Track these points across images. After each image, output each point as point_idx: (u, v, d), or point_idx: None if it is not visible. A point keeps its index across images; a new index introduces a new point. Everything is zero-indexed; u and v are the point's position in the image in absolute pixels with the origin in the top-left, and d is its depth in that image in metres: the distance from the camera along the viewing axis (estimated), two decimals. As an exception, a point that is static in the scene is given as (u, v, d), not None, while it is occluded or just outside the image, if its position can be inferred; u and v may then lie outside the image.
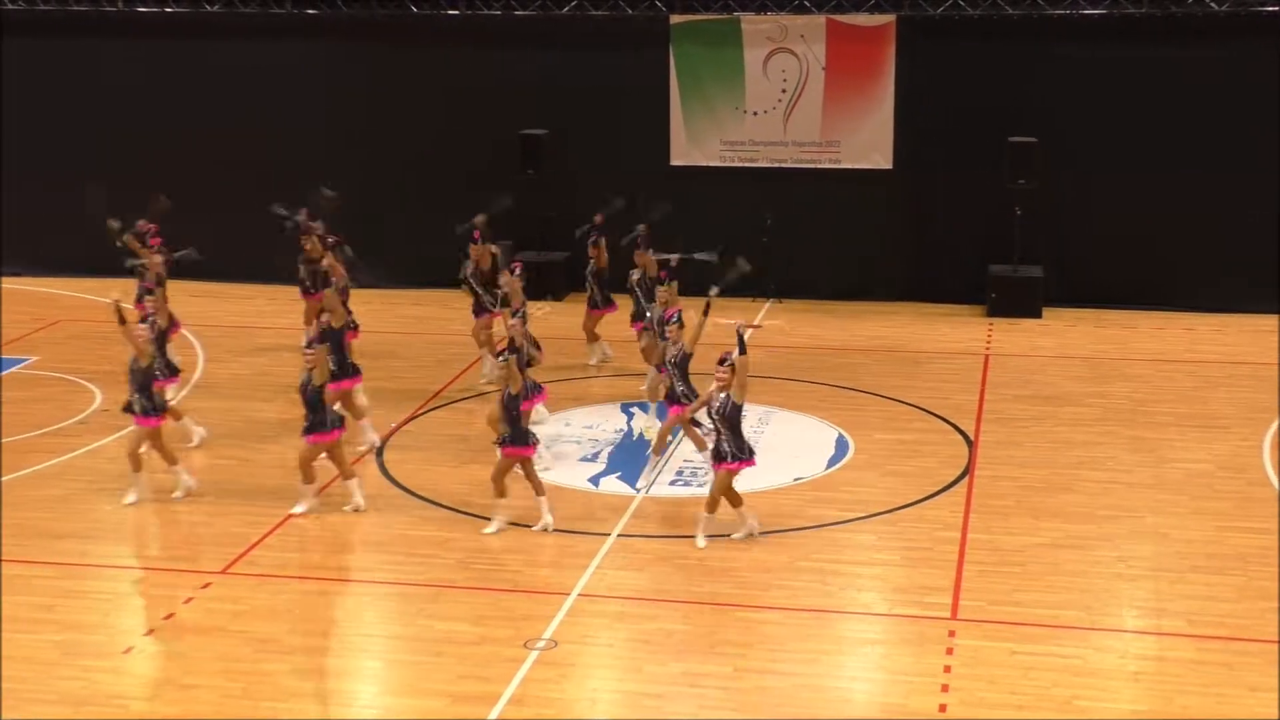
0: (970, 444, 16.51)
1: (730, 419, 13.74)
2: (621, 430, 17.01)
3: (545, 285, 22.31)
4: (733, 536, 13.90)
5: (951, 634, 12.24)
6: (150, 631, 12.42)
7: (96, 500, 15.10)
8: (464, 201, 22.28)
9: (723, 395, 13.76)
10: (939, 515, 14.60)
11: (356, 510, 14.56)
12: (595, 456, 16.21)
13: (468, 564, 13.58)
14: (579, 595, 12.94)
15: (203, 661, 11.91)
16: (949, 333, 21.00)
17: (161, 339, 16.11)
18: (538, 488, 14.28)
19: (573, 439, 16.72)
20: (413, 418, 17.40)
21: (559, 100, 22.56)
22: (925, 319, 21.65)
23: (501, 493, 14.24)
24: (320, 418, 14.40)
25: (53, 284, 20.80)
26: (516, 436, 14.14)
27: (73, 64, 23.51)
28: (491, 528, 14.17)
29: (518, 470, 14.28)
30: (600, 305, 19.05)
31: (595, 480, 15.56)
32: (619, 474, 15.69)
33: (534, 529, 14.15)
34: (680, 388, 15.45)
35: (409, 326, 18.53)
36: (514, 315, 15.35)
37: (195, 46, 23.07)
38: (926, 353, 20.10)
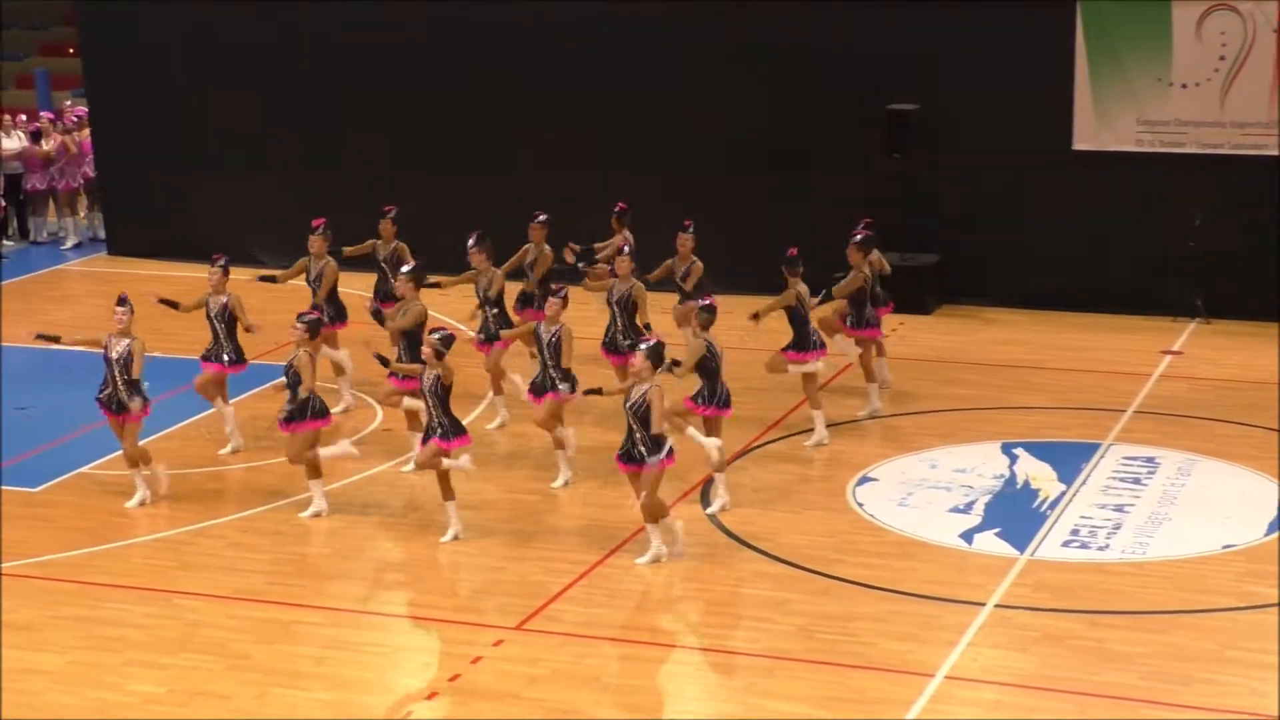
0: None
1: (442, 396, 15.12)
2: (1002, 476, 16.79)
3: (910, 294, 22.19)
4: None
5: None
6: (433, 695, 12.78)
7: (375, 536, 15.63)
8: (816, 189, 22.46)
9: (433, 374, 15.08)
10: None
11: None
12: (969, 507, 16.05)
13: (810, 631, 13.59)
14: (946, 678, 12.80)
15: (492, 733, 12.21)
16: None
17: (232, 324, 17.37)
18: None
19: (941, 484, 16.59)
20: (746, 450, 17.50)
21: (934, 70, 22.40)
22: (1400, 348, 20.74)
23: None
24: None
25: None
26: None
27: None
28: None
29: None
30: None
31: (968, 536, 15.40)
32: (998, 530, 15.49)
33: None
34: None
35: (741, 339, 18.69)
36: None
37: (531, 8, 23.70)
38: (1400, 392, 19.25)
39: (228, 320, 17.36)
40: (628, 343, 17.33)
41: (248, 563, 15.08)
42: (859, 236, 18.29)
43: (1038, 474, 16.73)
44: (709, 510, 15.94)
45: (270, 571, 14.94)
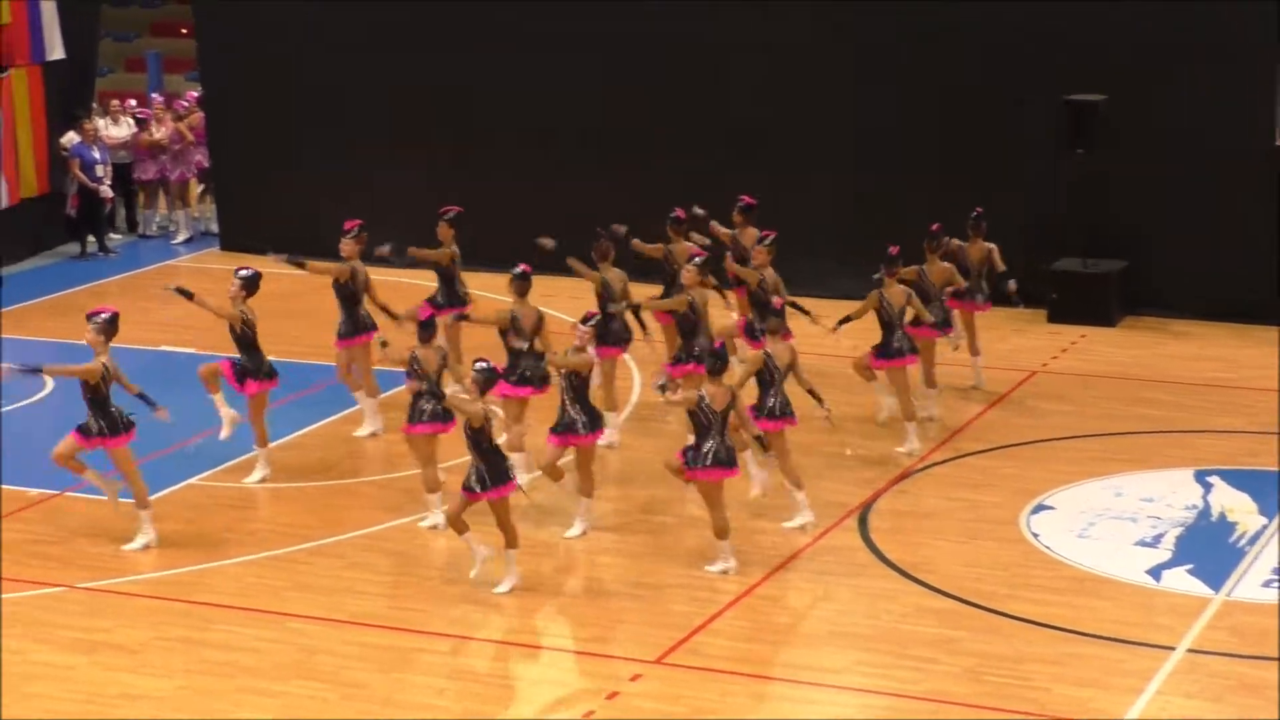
0: None
1: (475, 439, 14.77)
2: (1195, 507, 16.61)
3: (1093, 304, 21.99)
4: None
5: None
6: (564, 732, 12.83)
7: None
8: (990, 188, 22.28)
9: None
10: None
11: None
12: (1157, 540, 15.90)
13: (979, 674, 13.49)
14: (1130, 728, 12.70)
15: (628, 776, 12.23)
16: None
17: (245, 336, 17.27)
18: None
19: (1126, 515, 16.43)
20: (908, 473, 17.39)
21: (1119, 57, 22.19)
22: None
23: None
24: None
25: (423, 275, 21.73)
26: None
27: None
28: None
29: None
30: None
31: (1156, 573, 15.26)
32: (1190, 566, 15.31)
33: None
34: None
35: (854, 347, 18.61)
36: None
37: (679, 7, 23.81)
38: None
39: (239, 333, 17.23)
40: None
41: (367, 584, 15.17)
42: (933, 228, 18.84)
43: (1235, 505, 16.54)
44: (787, 525, 16.03)
45: (390, 595, 15.03)
